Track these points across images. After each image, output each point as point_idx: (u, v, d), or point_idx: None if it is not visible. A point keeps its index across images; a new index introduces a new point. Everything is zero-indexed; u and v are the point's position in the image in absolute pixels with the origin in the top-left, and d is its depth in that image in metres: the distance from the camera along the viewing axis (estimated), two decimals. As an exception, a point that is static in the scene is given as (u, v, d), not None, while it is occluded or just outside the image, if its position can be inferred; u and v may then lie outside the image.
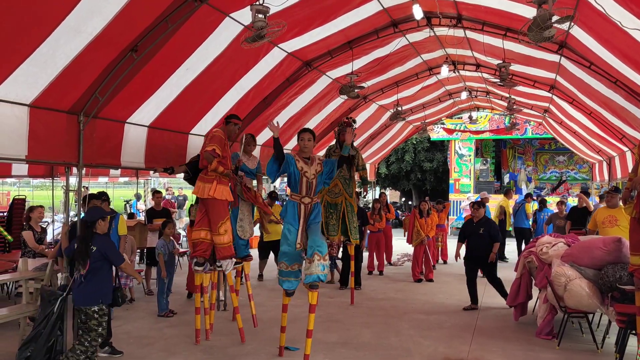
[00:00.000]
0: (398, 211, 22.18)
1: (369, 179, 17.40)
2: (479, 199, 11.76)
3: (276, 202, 11.21)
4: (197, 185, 6.28)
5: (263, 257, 11.08)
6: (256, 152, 9.00)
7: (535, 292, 7.89)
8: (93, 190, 8.81)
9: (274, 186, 31.29)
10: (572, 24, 5.51)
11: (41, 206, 8.03)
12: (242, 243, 7.09)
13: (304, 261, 5.68)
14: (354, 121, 8.44)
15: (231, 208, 6.88)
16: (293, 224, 5.79)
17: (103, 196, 6.74)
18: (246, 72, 7.39)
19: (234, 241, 6.69)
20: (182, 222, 16.80)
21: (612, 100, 7.92)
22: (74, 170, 5.88)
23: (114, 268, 5.55)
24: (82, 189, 6.11)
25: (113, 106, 5.95)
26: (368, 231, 11.43)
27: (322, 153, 10.62)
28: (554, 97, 10.66)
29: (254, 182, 7.26)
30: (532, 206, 14.03)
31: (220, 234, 6.26)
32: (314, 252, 5.58)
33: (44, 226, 8.43)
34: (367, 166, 16.37)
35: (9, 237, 4.83)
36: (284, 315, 6.20)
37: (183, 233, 12.90)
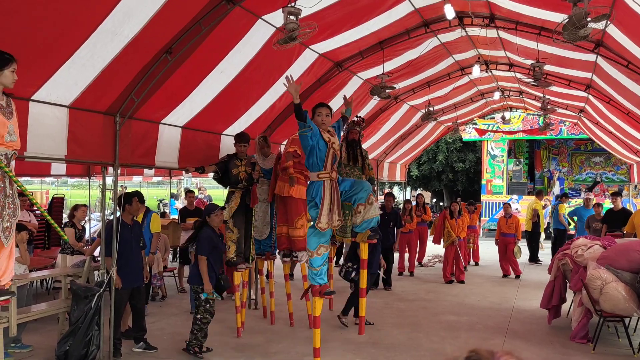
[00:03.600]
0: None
1: (400, 179, 17.45)
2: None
3: None
4: (278, 185, 6.81)
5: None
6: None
7: (569, 295, 7.76)
8: (129, 190, 9.00)
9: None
10: (609, 22, 5.40)
11: (85, 205, 8.30)
12: (265, 242, 7.39)
13: (359, 206, 5.43)
14: (363, 120, 8.34)
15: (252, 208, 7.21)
16: (318, 205, 5.25)
17: (137, 195, 6.97)
18: (279, 74, 7.44)
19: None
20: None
21: (650, 100, 7.74)
22: (110, 169, 6.03)
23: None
24: (120, 188, 6.26)
25: (148, 107, 6.07)
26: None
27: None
28: (590, 97, 10.45)
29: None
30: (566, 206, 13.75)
31: (297, 228, 6.69)
32: (368, 193, 5.40)
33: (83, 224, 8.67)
34: (398, 167, 16.39)
35: (65, 236, 4.99)
36: (316, 332, 5.49)
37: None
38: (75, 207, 7.96)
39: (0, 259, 3.79)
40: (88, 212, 14.21)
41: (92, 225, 13.34)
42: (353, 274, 7.59)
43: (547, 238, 15.41)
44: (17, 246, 6.42)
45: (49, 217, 4.49)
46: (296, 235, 6.72)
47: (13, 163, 3.89)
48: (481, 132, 19.72)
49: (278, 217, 7.00)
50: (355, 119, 8.18)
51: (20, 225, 6.75)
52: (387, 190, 28.03)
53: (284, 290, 7.72)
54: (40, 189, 28.15)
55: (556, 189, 19.67)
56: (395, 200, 26.62)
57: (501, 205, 19.25)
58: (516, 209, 12.90)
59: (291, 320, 7.57)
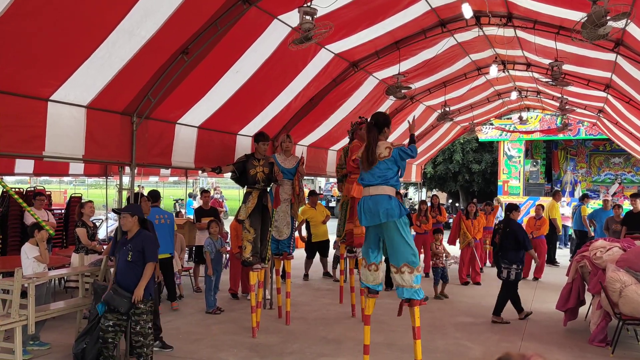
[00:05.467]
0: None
1: (416, 180, 17.36)
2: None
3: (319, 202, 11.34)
4: (346, 187, 7.37)
5: (309, 257, 11.15)
6: (302, 152, 9.07)
7: (588, 297, 7.66)
8: (147, 189, 9.07)
9: (320, 187, 31.44)
10: (629, 21, 5.32)
11: (91, 201, 8.12)
12: (284, 242, 7.47)
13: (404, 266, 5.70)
14: (367, 120, 8.30)
15: (274, 209, 7.30)
16: None
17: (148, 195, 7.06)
18: (295, 74, 7.45)
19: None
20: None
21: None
22: (127, 169, 6.07)
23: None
24: (137, 188, 6.30)
25: (164, 107, 6.11)
26: (413, 232, 11.32)
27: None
28: (609, 97, 10.31)
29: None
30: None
31: (358, 226, 7.02)
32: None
33: (97, 223, 8.68)
34: (414, 167, 16.32)
35: (48, 228, 5.11)
36: (417, 345, 5.57)
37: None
38: (82, 205, 7.83)
39: None
40: (106, 212, 14.40)
41: (109, 225, 13.48)
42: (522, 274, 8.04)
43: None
44: (36, 245, 6.53)
45: (25, 205, 4.44)
46: (359, 232, 7.15)
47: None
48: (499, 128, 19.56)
49: (350, 215, 7.32)
50: (359, 119, 8.15)
51: (40, 225, 6.82)
52: (401, 190, 27.95)
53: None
54: (59, 189, 28.56)
55: (578, 190, 19.48)
56: (411, 200, 26.45)
57: (518, 207, 19.14)
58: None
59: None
